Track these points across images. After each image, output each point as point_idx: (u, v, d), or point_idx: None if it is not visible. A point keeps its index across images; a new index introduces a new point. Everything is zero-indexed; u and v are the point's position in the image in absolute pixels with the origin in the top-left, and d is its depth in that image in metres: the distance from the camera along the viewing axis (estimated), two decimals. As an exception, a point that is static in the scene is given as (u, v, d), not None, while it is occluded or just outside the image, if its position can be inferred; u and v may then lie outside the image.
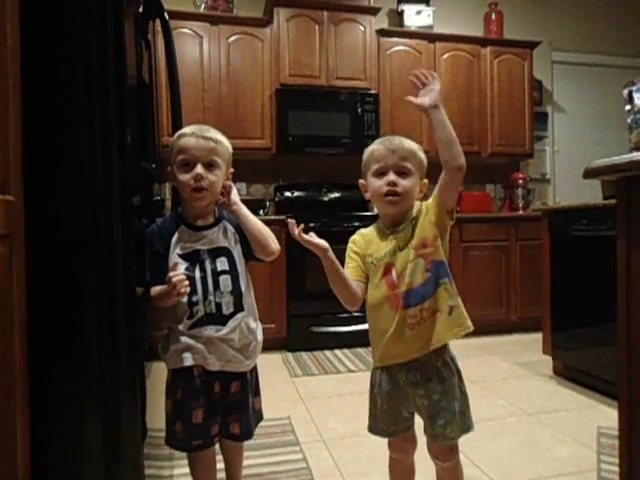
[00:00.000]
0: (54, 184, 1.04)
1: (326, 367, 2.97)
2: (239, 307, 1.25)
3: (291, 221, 1.11)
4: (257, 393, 1.35)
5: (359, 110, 3.73)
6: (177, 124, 1.56)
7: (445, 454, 1.20)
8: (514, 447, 1.86)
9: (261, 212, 3.57)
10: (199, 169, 1.19)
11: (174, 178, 1.23)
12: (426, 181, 1.23)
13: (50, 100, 1.04)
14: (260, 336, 1.32)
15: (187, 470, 1.63)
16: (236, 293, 1.24)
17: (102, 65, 1.06)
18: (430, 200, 1.20)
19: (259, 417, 1.36)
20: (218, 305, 1.22)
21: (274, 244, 1.28)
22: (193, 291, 1.20)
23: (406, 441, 1.25)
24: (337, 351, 3.32)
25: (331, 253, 1.13)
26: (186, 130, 1.24)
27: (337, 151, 3.81)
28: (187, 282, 1.17)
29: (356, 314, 3.40)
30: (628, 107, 2.33)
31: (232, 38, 3.62)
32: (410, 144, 1.20)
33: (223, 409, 1.26)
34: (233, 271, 1.25)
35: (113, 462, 1.07)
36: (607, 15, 4.69)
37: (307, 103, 3.67)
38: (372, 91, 3.80)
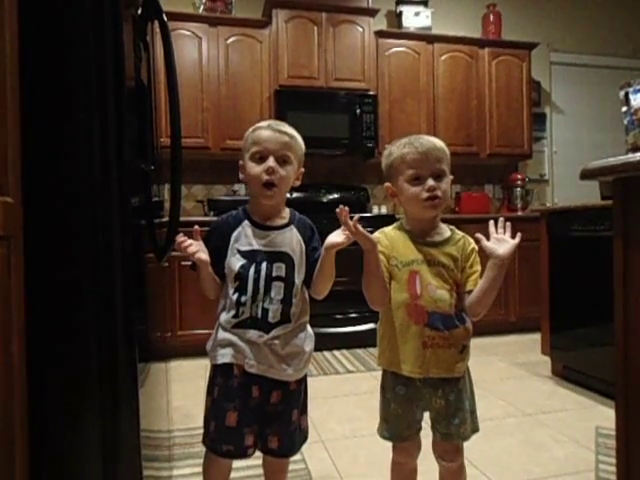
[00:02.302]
0: (53, 185, 1.04)
1: (325, 368, 2.97)
2: (286, 318, 1.18)
3: (345, 209, 1.04)
4: (304, 411, 1.28)
5: (358, 111, 3.73)
6: (175, 125, 1.56)
7: (451, 454, 1.20)
8: (512, 447, 1.87)
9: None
10: (271, 162, 1.16)
11: (245, 171, 1.20)
12: (451, 177, 1.18)
13: (48, 102, 1.04)
14: (309, 347, 1.24)
15: (186, 471, 1.63)
16: (286, 302, 1.18)
17: (100, 67, 1.07)
18: (467, 269, 1.16)
19: (304, 437, 1.28)
20: (265, 311, 1.16)
21: (327, 291, 1.23)
22: (243, 291, 1.16)
23: (413, 445, 1.24)
24: (336, 352, 3.32)
25: (378, 249, 1.11)
26: (262, 123, 1.22)
27: (336, 152, 3.82)
28: (188, 243, 1.13)
29: (354, 315, 3.41)
30: (625, 108, 2.34)
31: (231, 39, 3.63)
32: (440, 143, 1.15)
33: (261, 419, 1.20)
34: (289, 279, 1.18)
35: (111, 462, 1.07)
36: (605, 16, 4.71)
37: (306, 104, 3.67)
38: (371, 92, 3.81)
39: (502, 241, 1.10)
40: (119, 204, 1.09)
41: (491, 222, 1.13)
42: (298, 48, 3.68)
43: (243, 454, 1.20)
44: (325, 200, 3.94)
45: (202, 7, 3.69)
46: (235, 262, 1.17)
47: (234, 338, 1.17)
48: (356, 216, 1.06)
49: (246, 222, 1.21)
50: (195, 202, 3.78)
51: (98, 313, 1.07)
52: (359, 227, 1.06)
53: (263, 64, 3.68)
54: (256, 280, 1.17)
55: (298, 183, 1.25)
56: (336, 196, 3.97)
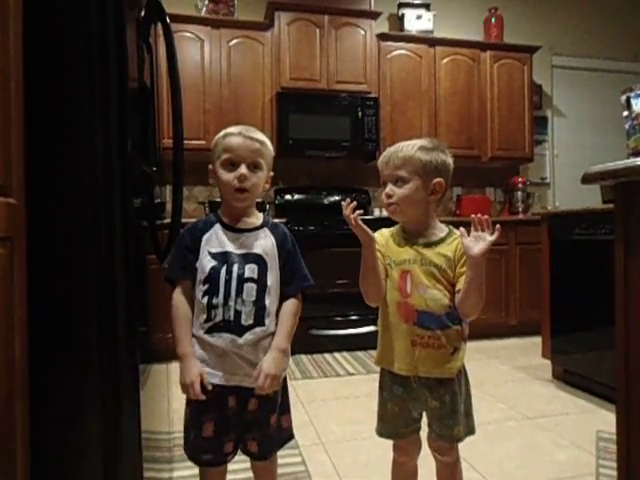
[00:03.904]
0: (55, 186, 1.05)
1: (325, 370, 2.97)
2: (259, 321, 1.17)
3: (352, 204, 1.11)
4: (285, 411, 1.27)
5: (359, 114, 3.74)
6: (178, 127, 1.57)
7: (445, 449, 1.22)
8: (513, 451, 1.86)
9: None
10: (243, 169, 1.17)
11: (215, 176, 1.21)
12: (439, 180, 1.17)
13: (52, 103, 1.04)
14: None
15: (186, 473, 1.63)
16: (259, 305, 1.17)
17: (103, 68, 1.07)
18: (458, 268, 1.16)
19: (287, 436, 1.28)
20: (237, 313, 1.15)
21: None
22: (214, 293, 1.15)
23: (412, 444, 1.26)
24: (337, 354, 3.32)
25: (375, 244, 1.15)
26: (232, 130, 1.21)
27: (337, 154, 3.83)
28: (200, 396, 1.13)
29: (355, 317, 3.41)
30: (626, 113, 2.34)
31: (233, 42, 3.64)
32: (406, 150, 1.17)
33: (239, 426, 1.20)
34: (261, 281, 1.18)
35: (112, 463, 1.07)
36: (607, 20, 4.71)
37: (307, 106, 3.68)
38: (372, 95, 3.81)
39: (479, 239, 1.08)
40: (121, 205, 1.09)
41: (472, 218, 1.10)
42: (300, 50, 3.69)
43: (222, 462, 1.22)
44: (326, 202, 3.95)
45: (204, 9, 3.71)
46: (206, 263, 1.17)
47: (205, 354, 1.16)
48: (358, 210, 1.11)
49: (217, 225, 1.21)
50: (197, 204, 3.78)
51: (99, 314, 1.07)
52: (359, 221, 1.10)
53: (265, 66, 3.69)
54: (227, 281, 1.16)
55: (268, 186, 1.26)
56: (337, 198, 3.97)
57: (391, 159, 1.18)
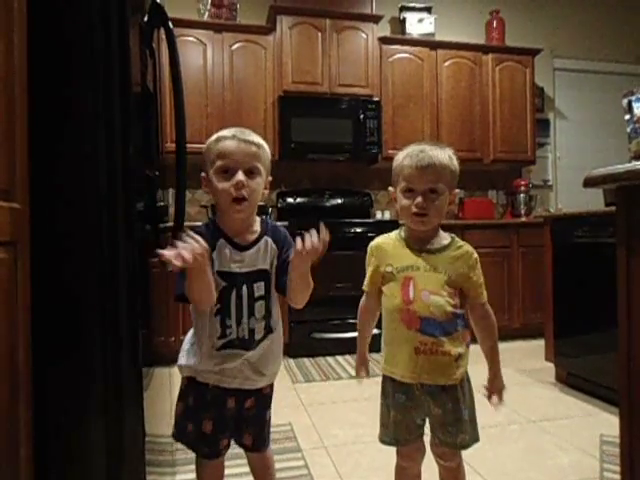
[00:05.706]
0: (59, 191, 1.05)
1: (328, 373, 2.96)
2: (269, 329, 1.19)
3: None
4: (270, 405, 1.30)
5: (361, 117, 3.75)
6: (180, 131, 1.57)
7: (449, 455, 1.22)
8: (516, 454, 1.86)
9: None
10: (240, 176, 1.08)
11: (210, 185, 1.13)
12: (457, 191, 1.20)
13: (55, 108, 1.05)
14: (281, 349, 1.27)
15: (188, 477, 1.63)
16: (268, 316, 1.18)
17: (107, 73, 1.08)
18: (469, 279, 1.18)
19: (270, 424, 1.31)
20: (251, 331, 1.15)
21: (306, 300, 1.19)
22: (227, 314, 1.14)
23: (416, 450, 1.25)
24: (339, 357, 3.31)
25: None
26: (225, 133, 1.13)
27: (339, 158, 3.83)
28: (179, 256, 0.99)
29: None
30: (627, 116, 2.34)
31: (235, 46, 3.65)
32: (442, 158, 1.14)
33: (236, 423, 1.22)
34: (268, 295, 1.18)
35: (115, 467, 1.07)
36: (608, 22, 4.71)
37: (309, 110, 3.69)
38: (374, 98, 3.82)
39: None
40: (124, 209, 1.10)
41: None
42: (302, 54, 3.70)
43: (218, 455, 1.24)
44: (328, 205, 3.95)
45: (207, 14, 3.72)
46: (219, 284, 1.12)
47: (210, 367, 1.16)
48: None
49: (222, 241, 1.14)
50: (199, 207, 3.79)
51: (102, 317, 1.07)
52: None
53: (267, 70, 3.70)
54: (239, 305, 1.14)
55: (267, 192, 1.19)
56: (339, 201, 3.97)
57: (428, 169, 1.12)
